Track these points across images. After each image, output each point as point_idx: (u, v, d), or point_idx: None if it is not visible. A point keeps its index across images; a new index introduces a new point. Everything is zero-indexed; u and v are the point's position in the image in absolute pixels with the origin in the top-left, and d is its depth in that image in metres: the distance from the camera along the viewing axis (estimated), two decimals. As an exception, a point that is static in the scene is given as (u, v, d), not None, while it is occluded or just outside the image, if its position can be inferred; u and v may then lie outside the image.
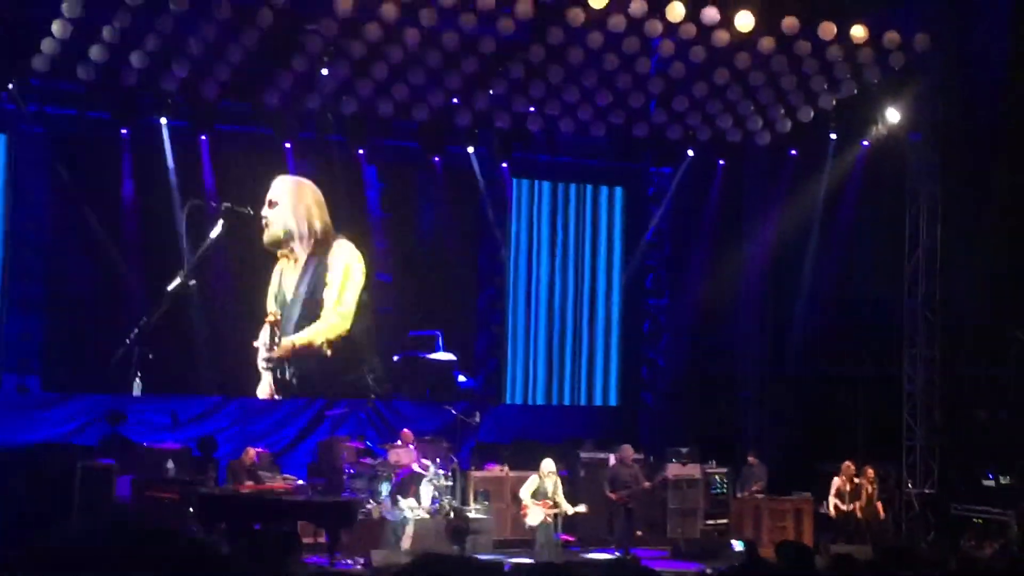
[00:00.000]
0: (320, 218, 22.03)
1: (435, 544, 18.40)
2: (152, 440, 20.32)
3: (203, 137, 20.70)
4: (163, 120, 20.12)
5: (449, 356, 22.51)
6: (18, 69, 18.33)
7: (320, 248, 22.05)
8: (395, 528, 18.61)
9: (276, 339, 21.33)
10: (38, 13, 17.84)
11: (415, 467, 19.20)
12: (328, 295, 22.03)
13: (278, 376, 21.50)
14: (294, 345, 21.64)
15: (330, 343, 21.97)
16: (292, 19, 18.47)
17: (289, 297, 21.83)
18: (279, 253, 21.76)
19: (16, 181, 20.56)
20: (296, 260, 21.88)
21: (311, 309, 21.95)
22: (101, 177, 20.82)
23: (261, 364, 21.32)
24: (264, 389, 21.51)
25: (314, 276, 22.02)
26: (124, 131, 20.21)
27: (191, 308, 20.86)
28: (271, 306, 21.61)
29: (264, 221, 21.44)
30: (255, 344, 21.32)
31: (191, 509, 17.83)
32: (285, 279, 21.84)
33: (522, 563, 15.53)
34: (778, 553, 10.37)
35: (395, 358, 22.59)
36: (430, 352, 22.43)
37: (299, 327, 21.82)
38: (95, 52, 17.87)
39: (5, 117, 20.04)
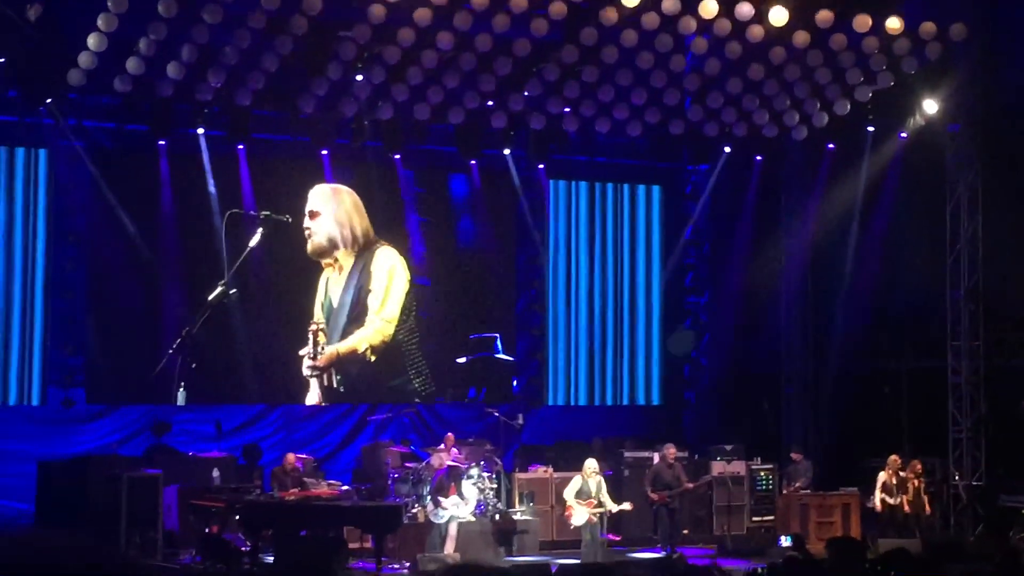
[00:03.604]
0: (360, 223, 22.06)
1: (479, 546, 18.40)
2: (197, 449, 20.42)
3: (240, 146, 20.76)
4: (200, 130, 20.18)
5: (509, 358, 22.73)
6: (56, 84, 18.44)
7: (363, 254, 22.07)
8: (439, 530, 18.62)
9: (320, 348, 21.36)
10: (74, 28, 17.94)
11: (448, 463, 19.19)
12: (372, 301, 22.05)
13: (324, 383, 21.53)
14: (338, 353, 21.65)
15: (374, 349, 22.00)
16: (326, 26, 18.51)
17: (335, 305, 21.86)
18: (324, 263, 21.79)
19: (56, 195, 20.68)
20: (341, 268, 21.89)
21: (357, 315, 21.97)
22: (140, 188, 20.91)
23: (306, 372, 21.36)
24: (312, 397, 21.54)
25: (359, 283, 22.04)
26: (162, 142, 20.29)
27: (232, 317, 20.98)
28: (317, 315, 21.64)
29: (307, 232, 21.48)
30: (300, 353, 21.35)
31: (237, 517, 17.90)
32: (331, 288, 21.87)
33: (568, 564, 15.54)
34: (829, 549, 10.30)
35: (462, 360, 22.63)
36: (491, 353, 22.64)
37: (346, 333, 21.84)
38: (131, 64, 17.97)
39: (44, 132, 20.15)
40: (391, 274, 22.22)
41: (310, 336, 21.29)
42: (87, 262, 20.99)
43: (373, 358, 21.99)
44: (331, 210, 21.82)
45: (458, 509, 18.76)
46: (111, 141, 20.63)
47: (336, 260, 21.85)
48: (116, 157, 20.82)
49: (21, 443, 20.16)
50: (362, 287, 22.06)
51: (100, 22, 17.38)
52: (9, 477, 19.50)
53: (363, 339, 21.92)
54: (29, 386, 20.48)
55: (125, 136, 20.45)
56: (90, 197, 20.72)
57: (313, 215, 21.60)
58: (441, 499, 18.67)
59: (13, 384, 20.37)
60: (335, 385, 21.61)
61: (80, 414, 20.89)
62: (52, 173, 20.65)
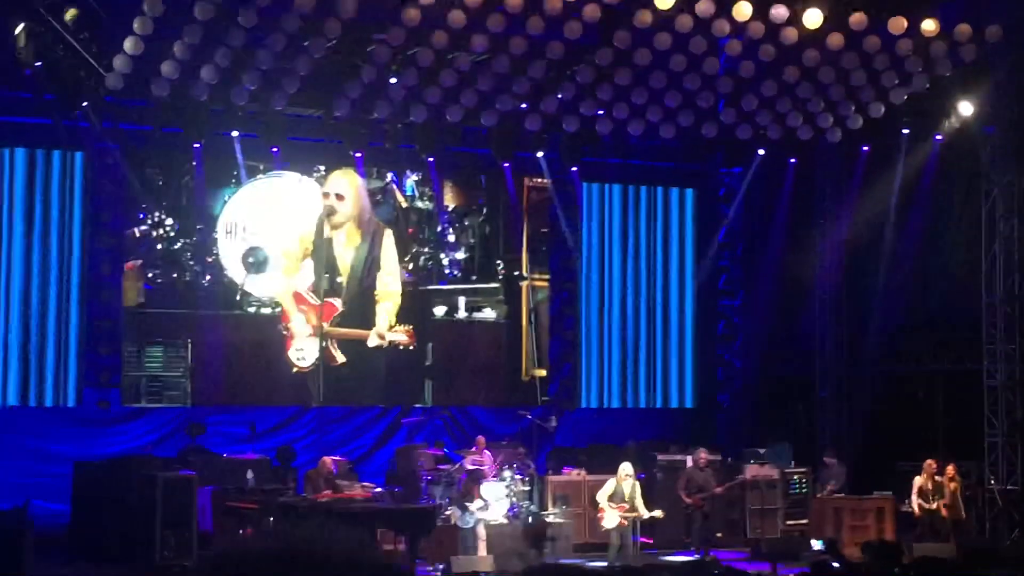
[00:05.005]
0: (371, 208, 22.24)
1: (513, 548, 18.41)
2: (231, 451, 20.50)
3: (274, 149, 20.81)
4: (235, 133, 20.28)
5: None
6: (92, 87, 18.54)
7: (375, 233, 22.17)
8: (467, 534, 18.64)
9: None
10: (110, 31, 18.05)
11: (468, 467, 19.20)
12: (382, 277, 22.15)
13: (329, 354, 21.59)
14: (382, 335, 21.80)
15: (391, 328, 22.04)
16: (360, 29, 18.54)
17: (349, 264, 21.96)
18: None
19: (92, 197, 20.78)
20: (349, 233, 21.96)
21: (369, 285, 22.03)
22: (175, 190, 21.02)
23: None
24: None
25: (369, 256, 22.09)
26: (197, 145, 20.35)
27: (266, 318, 21.03)
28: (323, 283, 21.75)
29: (329, 208, 21.61)
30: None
31: (271, 519, 17.95)
32: (341, 251, 21.95)
33: (600, 566, 15.54)
34: (864, 553, 10.28)
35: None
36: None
37: (358, 296, 21.90)
38: (167, 68, 18.04)
39: (80, 135, 20.25)
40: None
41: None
42: (122, 264, 21.08)
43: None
44: (353, 195, 21.90)
45: (484, 512, 18.77)
46: (147, 144, 20.73)
47: (348, 233, 21.96)
48: (152, 159, 20.94)
49: (58, 444, 20.32)
50: (374, 261, 22.09)
51: (136, 26, 17.46)
52: (46, 477, 19.63)
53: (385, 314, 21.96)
54: (65, 387, 20.58)
55: (161, 139, 20.54)
56: (126, 199, 20.85)
57: (340, 197, 21.72)
58: (468, 504, 18.70)
59: (49, 385, 20.47)
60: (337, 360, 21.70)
61: (115, 415, 21.02)
62: (88, 176, 20.75)
